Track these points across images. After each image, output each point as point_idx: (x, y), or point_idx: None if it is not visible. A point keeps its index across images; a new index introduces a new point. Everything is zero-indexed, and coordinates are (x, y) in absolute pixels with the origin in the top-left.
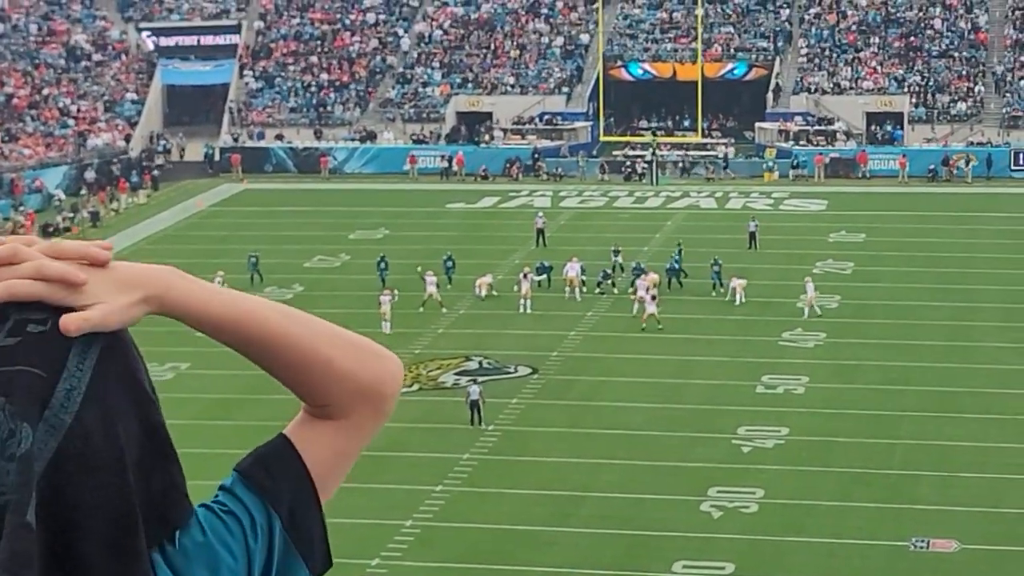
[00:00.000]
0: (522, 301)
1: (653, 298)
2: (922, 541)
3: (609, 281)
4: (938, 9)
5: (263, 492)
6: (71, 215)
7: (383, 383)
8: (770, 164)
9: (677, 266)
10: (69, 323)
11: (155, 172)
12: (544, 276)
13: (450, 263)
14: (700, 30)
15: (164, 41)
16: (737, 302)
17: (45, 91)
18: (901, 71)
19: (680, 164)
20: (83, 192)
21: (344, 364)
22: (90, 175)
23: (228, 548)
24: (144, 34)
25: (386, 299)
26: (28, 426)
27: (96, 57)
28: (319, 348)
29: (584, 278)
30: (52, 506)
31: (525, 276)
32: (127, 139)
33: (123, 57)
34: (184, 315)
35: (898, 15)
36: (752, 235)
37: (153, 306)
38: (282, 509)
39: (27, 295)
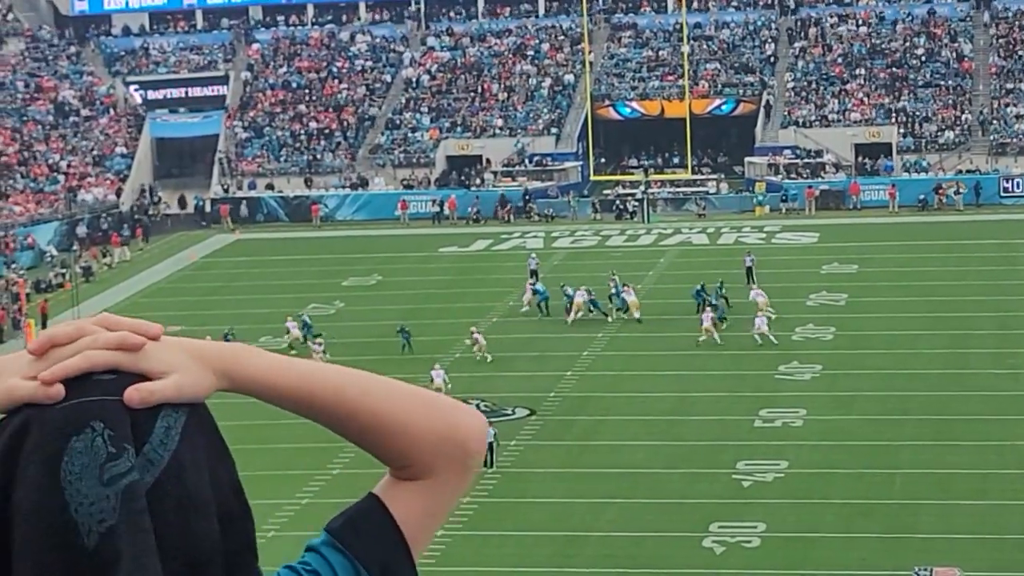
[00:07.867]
0: (476, 349)
1: (714, 323)
2: (925, 570)
3: (604, 312)
4: (923, 39)
5: (353, 552)
6: (63, 271)
7: (464, 439)
8: (760, 198)
9: (713, 301)
10: (133, 394)
11: (147, 225)
12: (543, 301)
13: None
14: (687, 67)
15: (152, 94)
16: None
17: (34, 148)
18: (888, 101)
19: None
20: (75, 247)
21: (421, 424)
22: (82, 230)
23: None
24: (132, 88)
25: (439, 375)
26: (132, 451)
27: (84, 112)
28: (396, 412)
29: (594, 298)
30: None
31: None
32: (118, 193)
33: (111, 111)
34: (254, 389)
35: (883, 46)
36: (749, 269)
37: (223, 381)
38: (374, 568)
39: (104, 364)
